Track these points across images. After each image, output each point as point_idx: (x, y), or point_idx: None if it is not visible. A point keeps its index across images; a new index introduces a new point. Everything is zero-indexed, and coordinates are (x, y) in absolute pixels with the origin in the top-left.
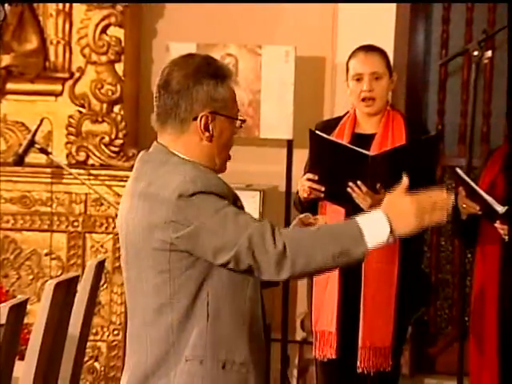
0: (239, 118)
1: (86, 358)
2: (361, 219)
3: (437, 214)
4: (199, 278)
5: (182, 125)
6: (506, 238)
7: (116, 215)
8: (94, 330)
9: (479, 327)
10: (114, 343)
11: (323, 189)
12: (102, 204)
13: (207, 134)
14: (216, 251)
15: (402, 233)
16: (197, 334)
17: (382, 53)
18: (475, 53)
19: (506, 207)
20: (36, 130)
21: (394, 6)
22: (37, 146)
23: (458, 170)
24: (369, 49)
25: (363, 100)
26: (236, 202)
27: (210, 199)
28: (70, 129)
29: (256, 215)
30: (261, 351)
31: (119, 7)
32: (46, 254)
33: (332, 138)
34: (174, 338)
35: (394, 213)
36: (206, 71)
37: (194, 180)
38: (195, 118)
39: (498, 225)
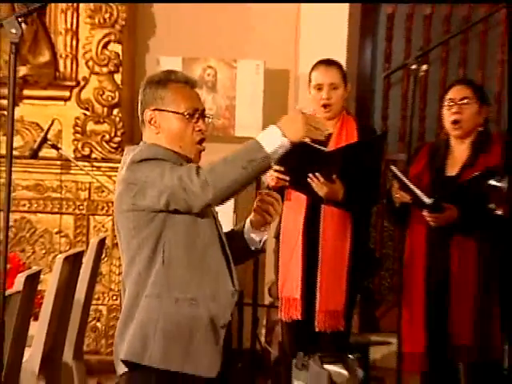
0: (185, 112)
1: (89, 319)
2: (258, 136)
3: (317, 131)
4: (157, 231)
5: (143, 122)
6: (433, 224)
7: None
8: (96, 296)
9: (409, 292)
10: (113, 307)
11: (288, 178)
12: (103, 191)
13: (154, 127)
14: (158, 196)
15: (293, 137)
16: (155, 276)
17: (339, 66)
18: (413, 66)
19: (433, 199)
20: (48, 129)
21: (346, 25)
22: (49, 142)
23: (393, 167)
24: (328, 63)
25: (323, 106)
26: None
27: (154, 162)
28: (77, 128)
29: (232, 200)
30: (213, 290)
31: (118, 27)
32: (56, 233)
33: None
34: (141, 283)
35: (285, 123)
36: (153, 79)
37: (142, 151)
38: (144, 116)
39: (425, 213)
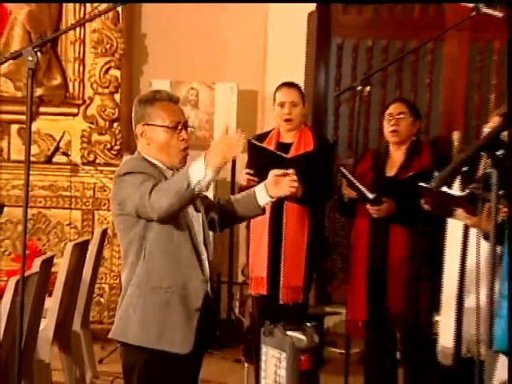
0: (169, 125)
1: (94, 295)
2: (190, 167)
3: (230, 152)
4: (140, 233)
5: (136, 135)
6: (374, 215)
7: None
8: (99, 276)
9: (355, 271)
10: (114, 285)
11: (257, 179)
12: (105, 190)
13: (145, 139)
14: (132, 208)
15: (214, 165)
16: (139, 269)
17: (298, 88)
18: (358, 88)
19: (375, 195)
20: (60, 140)
21: (304, 54)
22: (60, 150)
23: (342, 169)
24: (289, 85)
25: (285, 120)
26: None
27: (134, 176)
28: (83, 139)
29: (211, 198)
30: (186, 280)
31: (117, 55)
32: (67, 225)
33: (263, 145)
34: (130, 275)
35: (208, 154)
36: (142, 99)
37: (123, 165)
38: (137, 130)
39: (368, 206)
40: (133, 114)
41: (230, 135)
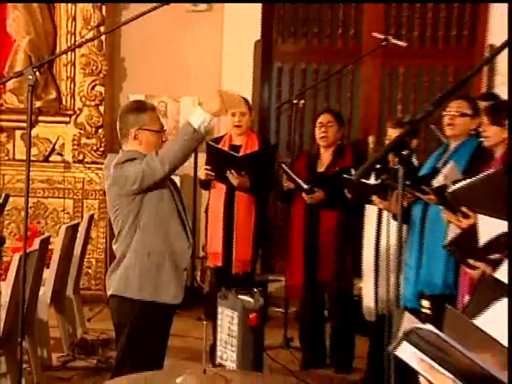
0: (156, 129)
1: (83, 267)
2: (189, 117)
3: (231, 101)
4: (135, 209)
5: (125, 138)
6: (308, 201)
7: (100, 190)
8: (88, 252)
9: (293, 246)
10: (99, 259)
11: (213, 174)
12: (92, 183)
13: (138, 141)
14: (135, 180)
15: (212, 109)
16: (135, 239)
17: (246, 101)
18: (294, 101)
19: (308, 186)
20: (55, 143)
21: (251, 73)
22: (56, 151)
23: (283, 165)
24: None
25: (235, 126)
26: None
27: (131, 162)
28: (74, 142)
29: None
30: (175, 245)
31: (101, 75)
32: (61, 211)
33: (218, 146)
34: (127, 243)
35: (206, 101)
36: (132, 108)
37: (123, 155)
38: (128, 132)
39: (303, 195)
40: (122, 122)
41: (226, 92)
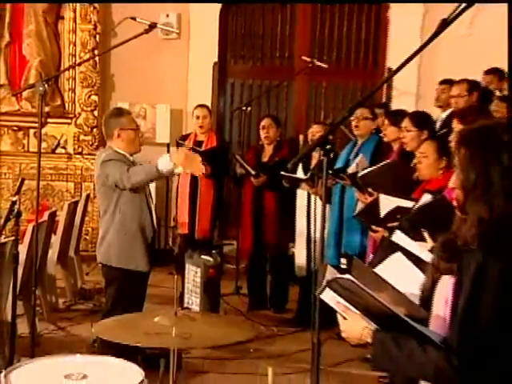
0: (133, 128)
1: (82, 234)
2: (159, 159)
3: (192, 164)
4: (115, 198)
5: (110, 137)
6: (256, 184)
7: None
8: (85, 222)
9: (243, 219)
10: (94, 228)
11: None
12: (88, 170)
13: (121, 139)
14: (113, 182)
15: (175, 162)
16: (116, 220)
17: (207, 107)
18: (244, 108)
19: (255, 172)
20: (60, 139)
21: (210, 86)
22: (60, 145)
23: (236, 156)
24: (202, 105)
25: (199, 127)
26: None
27: (113, 161)
28: (75, 138)
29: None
30: (145, 228)
31: (95, 87)
32: (65, 191)
33: (186, 143)
34: (110, 223)
35: (173, 154)
36: (113, 113)
37: (108, 155)
38: (112, 132)
39: (252, 179)
40: (106, 124)
41: (191, 154)
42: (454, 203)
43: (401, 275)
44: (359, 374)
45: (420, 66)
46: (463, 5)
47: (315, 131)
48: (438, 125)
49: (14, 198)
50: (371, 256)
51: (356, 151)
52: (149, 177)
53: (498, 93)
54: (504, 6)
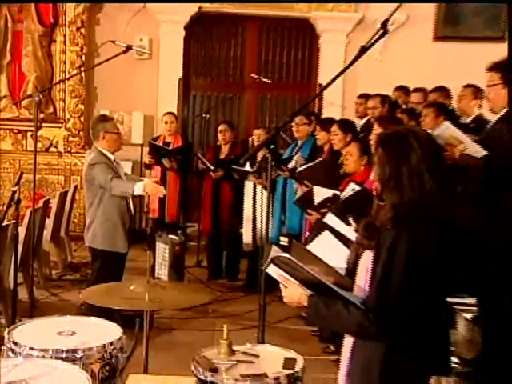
0: (116, 132)
1: (71, 218)
2: (135, 187)
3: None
4: (100, 193)
5: (96, 138)
6: (214, 177)
7: (81, 169)
8: (73, 208)
9: (203, 203)
10: (81, 214)
11: (153, 160)
12: (76, 165)
13: (106, 140)
14: (98, 185)
15: (146, 191)
16: (99, 211)
17: (174, 114)
18: (204, 115)
19: (214, 167)
20: (52, 140)
21: (176, 96)
22: (53, 145)
23: (198, 154)
24: (170, 113)
25: (167, 130)
26: (113, 168)
27: (98, 164)
28: (65, 140)
29: (129, 172)
30: (124, 216)
31: (82, 97)
32: (56, 183)
33: (157, 143)
34: (94, 213)
35: (147, 186)
36: (99, 119)
37: (94, 158)
38: (99, 135)
39: (211, 173)
40: (94, 128)
41: (158, 188)
42: (374, 193)
43: (330, 251)
44: (296, 328)
45: (344, 82)
46: (376, 36)
47: (258, 134)
48: (359, 129)
49: (14, 188)
50: (308, 234)
51: (297, 150)
52: (124, 195)
53: (404, 106)
54: (408, 34)
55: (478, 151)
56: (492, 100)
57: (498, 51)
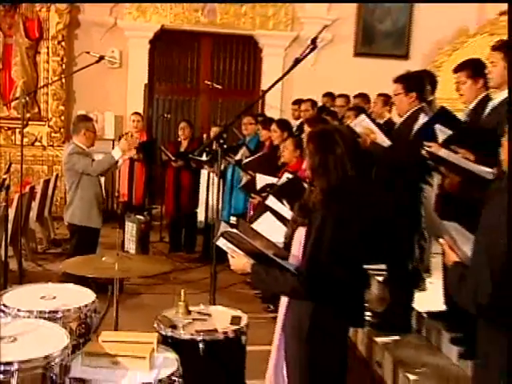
0: (94, 130)
1: (53, 201)
2: (112, 152)
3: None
4: (77, 178)
5: (78, 134)
6: (175, 166)
7: (61, 160)
8: (55, 193)
9: (167, 190)
10: (61, 197)
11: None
12: (57, 157)
13: (86, 136)
14: (78, 169)
15: (123, 151)
16: (77, 194)
17: (140, 114)
18: (165, 115)
19: (175, 158)
20: (37, 136)
21: (142, 97)
22: (37, 140)
23: (162, 147)
24: (137, 113)
25: (135, 127)
26: (89, 156)
27: (78, 155)
28: (48, 135)
29: None
30: (98, 198)
31: (62, 100)
32: (41, 172)
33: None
34: (74, 193)
35: (119, 146)
36: (80, 118)
37: (73, 149)
38: (80, 131)
39: (173, 163)
40: (76, 125)
41: (129, 141)
42: (306, 180)
43: (270, 228)
44: (242, 292)
45: (282, 88)
46: (307, 50)
47: (214, 130)
48: (294, 129)
49: (5, 176)
50: (251, 213)
51: (244, 144)
52: (109, 164)
53: (332, 108)
54: (333, 50)
55: (384, 141)
56: (397, 106)
57: (403, 66)
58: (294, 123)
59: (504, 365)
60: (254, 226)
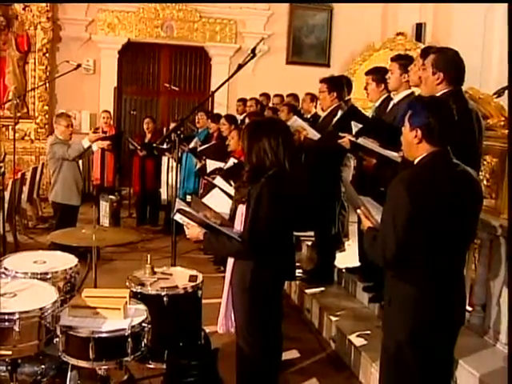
0: (72, 127)
1: (40, 185)
2: (83, 140)
3: (96, 135)
4: (58, 164)
5: (58, 128)
6: (141, 155)
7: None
8: (42, 178)
9: (134, 175)
10: (47, 182)
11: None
12: (43, 149)
13: (64, 130)
14: (58, 156)
15: (90, 140)
16: (59, 178)
17: (109, 112)
18: (132, 112)
19: (141, 147)
20: (26, 131)
21: (112, 100)
22: (26, 135)
23: (129, 139)
24: (107, 111)
25: (105, 123)
26: (67, 145)
27: (58, 144)
28: (35, 131)
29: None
30: (77, 180)
31: (46, 101)
32: (30, 161)
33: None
34: (56, 177)
35: (88, 138)
36: (59, 115)
37: (53, 140)
38: (61, 126)
39: (139, 152)
40: (57, 121)
41: (95, 135)
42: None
43: (218, 202)
44: (197, 257)
45: (229, 89)
46: (248, 58)
47: (173, 124)
48: (239, 122)
49: (0, 165)
50: (201, 191)
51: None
52: (80, 151)
53: (270, 104)
54: (270, 59)
55: (315, 135)
56: (321, 102)
57: (325, 73)
58: (239, 117)
59: (401, 303)
60: (205, 200)
